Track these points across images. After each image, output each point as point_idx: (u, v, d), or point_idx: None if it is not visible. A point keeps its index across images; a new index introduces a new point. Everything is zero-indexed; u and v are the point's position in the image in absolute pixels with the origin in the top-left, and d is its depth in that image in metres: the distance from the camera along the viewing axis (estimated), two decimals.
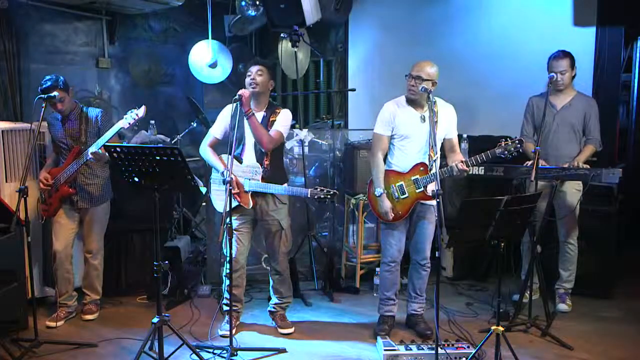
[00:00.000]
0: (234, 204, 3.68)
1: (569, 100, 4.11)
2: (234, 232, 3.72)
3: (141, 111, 3.76)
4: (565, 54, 4.04)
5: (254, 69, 3.70)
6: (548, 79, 4.02)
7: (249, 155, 3.77)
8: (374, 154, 3.75)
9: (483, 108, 5.30)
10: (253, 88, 3.67)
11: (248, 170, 3.73)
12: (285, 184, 3.86)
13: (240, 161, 3.76)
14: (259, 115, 3.75)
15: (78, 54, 5.24)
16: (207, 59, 5.45)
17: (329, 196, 3.62)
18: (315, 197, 3.63)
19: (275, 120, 3.75)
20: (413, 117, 3.66)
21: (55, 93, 3.77)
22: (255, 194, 3.74)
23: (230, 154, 3.44)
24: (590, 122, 4.11)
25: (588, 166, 3.96)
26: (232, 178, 3.45)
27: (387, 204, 3.65)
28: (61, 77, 3.88)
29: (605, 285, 4.45)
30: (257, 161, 3.73)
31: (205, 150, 3.82)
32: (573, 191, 4.10)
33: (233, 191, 3.59)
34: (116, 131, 3.77)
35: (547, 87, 4.11)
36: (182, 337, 3.33)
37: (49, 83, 3.80)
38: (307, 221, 4.86)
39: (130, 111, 3.77)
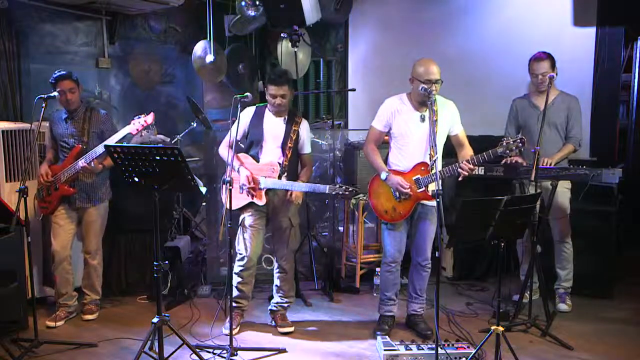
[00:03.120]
0: (247, 200, 3.77)
1: (552, 100, 4.10)
2: (249, 228, 3.81)
3: (149, 118, 3.80)
4: (546, 56, 4.05)
5: (278, 91, 3.72)
6: (549, 78, 4.00)
7: (268, 154, 3.82)
8: (367, 144, 3.79)
9: (483, 108, 5.29)
10: (280, 108, 3.79)
11: (265, 168, 3.78)
12: None
13: (257, 160, 3.83)
14: (280, 121, 3.83)
15: (78, 54, 5.24)
16: (207, 58, 5.45)
17: (347, 193, 3.61)
18: (334, 193, 3.63)
19: (297, 131, 3.83)
20: (412, 116, 3.66)
21: (55, 93, 3.81)
22: (268, 191, 3.77)
23: (229, 155, 3.48)
24: (572, 121, 4.12)
25: (551, 164, 3.97)
26: (231, 178, 3.49)
27: (397, 179, 3.60)
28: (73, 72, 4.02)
29: (605, 285, 4.45)
30: (278, 160, 3.79)
31: (226, 150, 3.80)
32: (563, 190, 4.10)
33: (247, 186, 3.70)
34: (122, 137, 3.79)
35: (529, 88, 4.12)
36: (182, 337, 3.33)
37: (63, 72, 3.92)
38: (307, 221, 4.86)
39: (137, 117, 3.80)
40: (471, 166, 3.48)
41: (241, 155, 3.87)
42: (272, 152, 3.82)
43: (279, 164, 3.78)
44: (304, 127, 3.90)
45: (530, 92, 4.29)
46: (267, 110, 3.86)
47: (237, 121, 3.72)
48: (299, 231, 3.98)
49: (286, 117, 3.86)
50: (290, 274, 3.98)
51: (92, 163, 3.83)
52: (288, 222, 3.87)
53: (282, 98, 3.74)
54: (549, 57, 4.04)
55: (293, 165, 3.88)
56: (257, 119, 3.85)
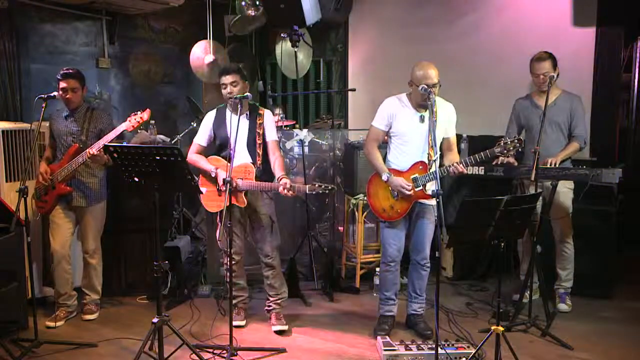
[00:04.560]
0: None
1: (554, 100, 4.11)
2: (233, 228, 3.74)
3: (145, 114, 3.81)
4: (547, 56, 4.04)
5: (227, 79, 3.72)
6: (549, 78, 4.00)
7: (240, 155, 3.76)
8: (368, 144, 3.78)
9: (483, 108, 5.30)
10: (234, 100, 3.70)
11: (239, 169, 3.73)
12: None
13: (229, 162, 3.78)
14: (242, 118, 3.72)
15: (78, 54, 5.24)
16: (207, 58, 5.46)
17: (327, 191, 3.58)
18: (314, 192, 3.59)
19: (262, 123, 3.80)
20: (412, 116, 3.66)
21: (55, 93, 3.81)
22: (246, 193, 3.75)
23: (230, 156, 3.47)
24: (575, 120, 4.12)
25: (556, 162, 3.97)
26: (231, 178, 3.45)
27: (399, 181, 3.61)
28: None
29: (605, 285, 4.45)
30: (250, 161, 3.75)
31: (192, 158, 3.83)
32: (564, 190, 4.10)
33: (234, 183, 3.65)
34: (118, 133, 3.78)
35: (531, 88, 4.12)
36: (182, 337, 3.33)
37: (71, 70, 3.93)
38: (307, 221, 4.86)
39: (134, 114, 3.80)
40: (462, 170, 3.50)
41: (212, 157, 3.83)
42: (240, 153, 3.75)
43: (253, 164, 3.73)
44: (267, 117, 3.85)
45: (532, 92, 4.29)
46: (227, 110, 3.84)
47: (201, 127, 3.85)
48: (278, 227, 3.96)
49: (248, 113, 3.79)
50: (278, 269, 3.97)
51: (99, 152, 3.79)
52: (268, 219, 3.86)
53: (232, 86, 3.70)
54: (550, 56, 4.04)
55: (267, 163, 3.83)
56: (220, 120, 3.83)
